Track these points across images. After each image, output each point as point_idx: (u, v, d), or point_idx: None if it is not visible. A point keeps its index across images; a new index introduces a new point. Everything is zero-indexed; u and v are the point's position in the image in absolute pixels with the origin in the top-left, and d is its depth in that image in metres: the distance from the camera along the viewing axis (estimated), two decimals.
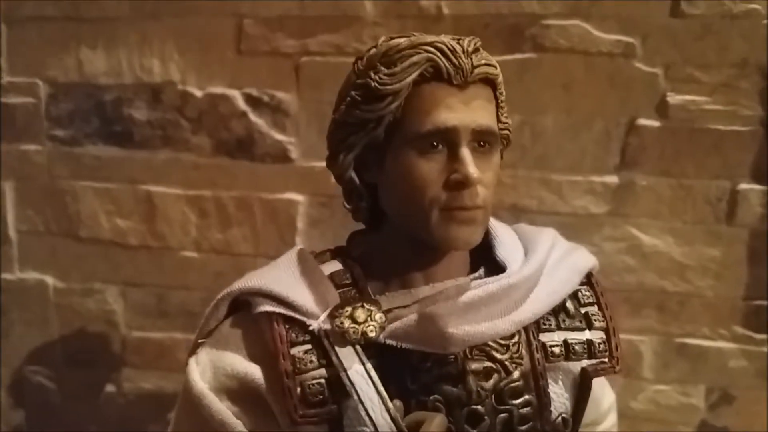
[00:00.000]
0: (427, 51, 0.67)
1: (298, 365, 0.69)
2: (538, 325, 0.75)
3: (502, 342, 0.72)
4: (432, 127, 0.67)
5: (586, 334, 0.77)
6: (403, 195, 0.70)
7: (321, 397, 0.69)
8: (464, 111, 0.68)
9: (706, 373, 1.40)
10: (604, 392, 0.89)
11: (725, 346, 1.38)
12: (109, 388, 1.63)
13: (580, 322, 0.77)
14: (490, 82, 0.71)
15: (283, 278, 0.73)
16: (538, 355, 0.74)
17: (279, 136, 1.45)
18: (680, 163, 1.34)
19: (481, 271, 0.76)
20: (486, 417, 0.71)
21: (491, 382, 0.71)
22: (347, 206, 0.77)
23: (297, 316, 0.71)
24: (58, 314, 1.62)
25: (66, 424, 1.65)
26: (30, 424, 1.69)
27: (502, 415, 0.71)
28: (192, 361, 0.76)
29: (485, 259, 0.77)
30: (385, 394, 0.68)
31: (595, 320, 0.78)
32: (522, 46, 1.34)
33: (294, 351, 0.70)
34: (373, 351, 0.70)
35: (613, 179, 1.36)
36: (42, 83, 1.53)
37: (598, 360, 0.77)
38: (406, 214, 0.71)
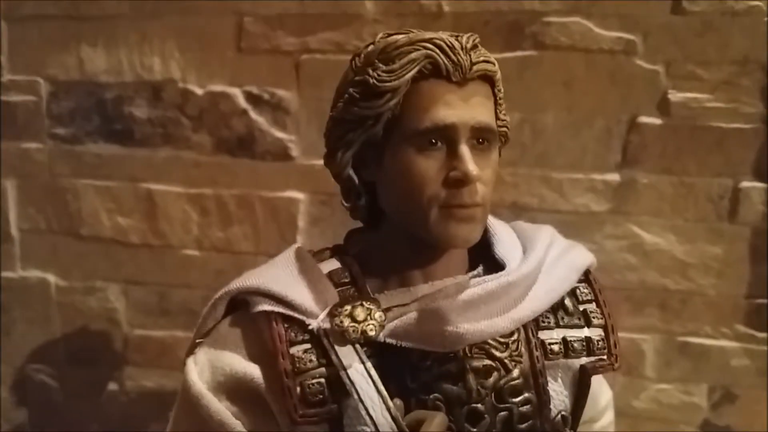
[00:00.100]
0: (425, 48, 0.67)
1: (297, 365, 0.69)
2: (537, 323, 0.75)
3: (502, 340, 0.72)
4: (431, 124, 0.67)
5: (585, 332, 0.77)
6: (401, 192, 0.70)
7: (321, 396, 0.69)
8: (463, 108, 0.67)
9: (708, 371, 1.39)
10: (601, 390, 0.89)
11: (727, 345, 1.38)
12: (111, 386, 1.63)
13: (579, 319, 0.77)
14: (488, 79, 0.71)
15: (281, 277, 0.73)
16: (537, 353, 0.73)
17: (279, 134, 1.45)
18: (682, 160, 1.33)
19: (480, 269, 0.76)
20: (486, 415, 0.71)
21: (491, 380, 0.71)
22: (345, 204, 0.77)
23: (296, 315, 0.70)
24: (60, 312, 1.62)
25: (68, 423, 1.65)
26: (32, 423, 1.69)
27: (502, 413, 0.71)
28: (190, 360, 0.75)
29: (484, 257, 0.77)
30: (385, 393, 0.68)
31: (593, 317, 0.78)
32: (522, 44, 1.33)
33: (293, 350, 0.69)
34: (373, 350, 0.70)
35: (614, 177, 1.36)
36: (43, 81, 1.53)
37: (596, 357, 0.76)
38: (404, 212, 0.71)
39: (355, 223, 0.81)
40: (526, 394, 0.72)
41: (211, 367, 0.73)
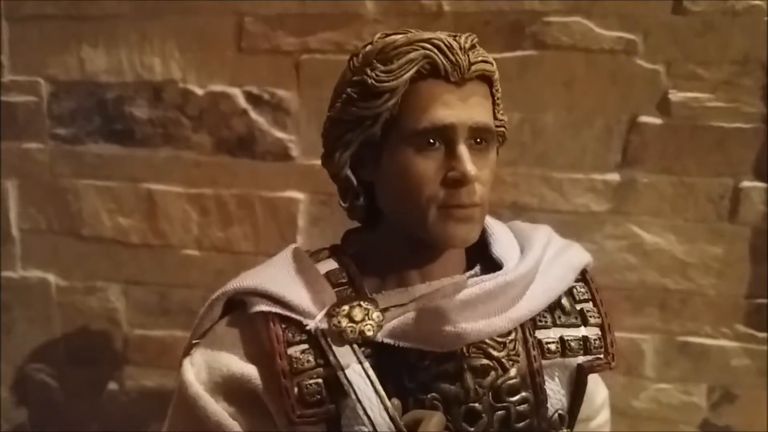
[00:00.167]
0: (424, 48, 0.67)
1: (295, 365, 0.69)
2: (534, 322, 0.75)
3: (499, 339, 0.72)
4: (429, 125, 0.67)
5: (582, 331, 0.77)
6: (400, 193, 0.70)
7: (318, 396, 0.69)
8: (461, 108, 0.67)
9: (708, 371, 1.39)
10: (597, 388, 0.89)
11: (727, 345, 1.38)
12: (112, 385, 1.63)
13: (576, 318, 0.77)
14: (486, 79, 0.71)
15: (278, 277, 0.73)
16: (534, 352, 0.73)
17: (279, 134, 1.45)
18: (682, 160, 1.33)
19: (477, 268, 0.76)
20: (483, 414, 0.71)
21: (488, 379, 0.71)
22: (343, 204, 0.77)
23: (293, 315, 0.70)
24: (60, 312, 1.63)
25: (68, 422, 1.65)
26: (33, 422, 1.69)
27: (500, 412, 0.71)
28: (186, 361, 0.75)
29: (481, 257, 0.77)
30: (383, 393, 0.68)
31: (590, 316, 0.78)
32: (523, 44, 1.33)
33: (291, 351, 0.69)
34: (371, 350, 0.70)
35: (614, 177, 1.36)
36: (43, 82, 1.53)
37: (593, 356, 0.77)
38: (403, 212, 0.71)
39: (354, 223, 0.81)
40: (524, 393, 0.72)
41: (208, 367, 0.73)
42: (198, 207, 1.51)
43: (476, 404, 0.71)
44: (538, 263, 0.75)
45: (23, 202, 1.60)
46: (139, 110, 1.50)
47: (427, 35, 0.68)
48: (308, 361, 0.69)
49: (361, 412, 0.67)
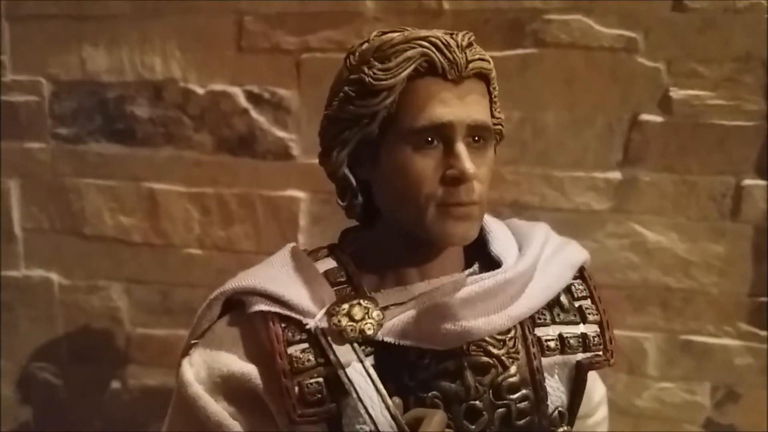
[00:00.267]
0: (421, 46, 0.67)
1: (295, 364, 0.68)
2: (533, 320, 0.75)
3: (499, 337, 0.72)
4: (427, 123, 0.67)
5: (581, 328, 0.77)
6: (398, 191, 0.69)
7: (319, 396, 0.68)
8: (459, 106, 0.67)
9: (711, 370, 1.39)
10: (595, 386, 0.89)
11: (730, 344, 1.37)
12: (114, 384, 1.64)
13: (575, 315, 0.77)
14: (483, 76, 0.70)
15: (277, 277, 0.73)
16: (534, 350, 0.73)
17: (280, 133, 1.45)
18: (684, 158, 1.33)
19: (476, 266, 0.76)
20: (484, 412, 0.71)
21: (489, 377, 0.71)
22: (340, 203, 0.77)
23: (293, 314, 0.70)
24: (63, 311, 1.63)
25: (71, 421, 1.66)
26: (36, 420, 1.70)
27: (500, 410, 0.71)
28: (185, 362, 0.75)
29: (479, 255, 0.77)
30: (384, 391, 0.67)
31: (589, 314, 0.78)
32: (523, 42, 1.33)
33: (291, 350, 0.69)
34: (371, 349, 0.70)
35: (615, 175, 1.35)
36: (45, 81, 1.54)
37: (593, 353, 0.77)
38: (401, 211, 0.71)
39: (354, 221, 0.81)
40: (524, 391, 0.72)
41: (208, 368, 0.73)
42: (199, 206, 1.51)
43: (477, 402, 0.71)
44: (536, 261, 0.75)
45: (25, 202, 1.60)
46: (140, 110, 1.50)
47: (424, 33, 0.68)
48: (308, 360, 0.69)
49: (362, 411, 0.67)
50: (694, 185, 1.33)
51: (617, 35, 1.30)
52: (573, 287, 0.79)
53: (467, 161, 0.66)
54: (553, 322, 0.76)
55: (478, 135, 0.69)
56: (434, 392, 0.70)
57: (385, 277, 0.74)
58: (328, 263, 0.77)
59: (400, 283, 0.74)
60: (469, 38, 0.69)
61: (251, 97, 1.45)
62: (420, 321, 0.69)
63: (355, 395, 0.67)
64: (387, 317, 0.69)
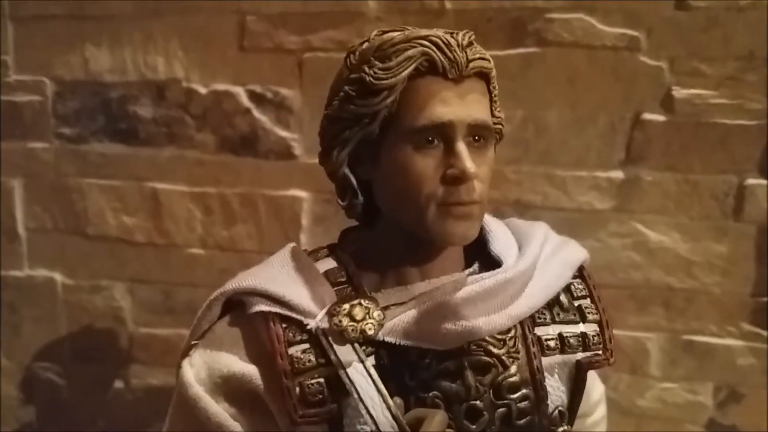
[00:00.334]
0: (422, 45, 0.67)
1: (296, 365, 0.68)
2: (533, 319, 0.75)
3: (499, 337, 0.72)
4: (428, 122, 0.67)
5: (581, 327, 0.77)
6: (398, 191, 0.69)
7: (320, 396, 0.68)
8: (459, 105, 0.67)
9: (713, 370, 1.38)
10: (594, 385, 0.89)
11: (733, 344, 1.37)
12: (117, 383, 1.64)
13: (574, 315, 0.77)
14: (484, 76, 0.70)
15: (277, 277, 0.73)
16: (534, 349, 0.73)
17: (283, 133, 1.45)
18: (686, 158, 1.32)
19: (476, 266, 0.76)
20: (485, 412, 0.71)
21: (489, 377, 0.71)
22: (341, 203, 0.77)
23: (294, 315, 0.70)
24: (66, 311, 1.64)
25: (75, 420, 1.66)
26: (39, 420, 1.70)
27: (501, 409, 0.71)
28: (185, 363, 0.74)
29: (479, 255, 0.77)
30: (385, 391, 0.67)
31: (588, 313, 0.78)
32: (525, 41, 1.33)
33: (292, 350, 0.69)
34: (371, 349, 0.70)
35: (618, 174, 1.35)
36: (48, 81, 1.54)
37: (592, 352, 0.77)
38: (401, 210, 0.70)
39: (354, 221, 0.81)
40: (524, 391, 0.72)
41: (208, 368, 0.72)
42: (202, 206, 1.52)
43: (477, 402, 0.71)
44: (536, 260, 0.75)
45: (29, 202, 1.61)
46: (143, 109, 1.51)
47: (424, 32, 0.68)
48: (309, 360, 0.69)
49: (363, 411, 0.67)
50: (696, 184, 1.33)
51: (620, 34, 1.30)
52: (572, 286, 0.79)
53: (468, 160, 0.66)
54: (553, 322, 0.76)
55: (478, 134, 0.69)
56: (435, 392, 0.70)
57: (386, 277, 0.74)
58: (329, 263, 0.76)
59: (401, 282, 0.74)
60: (470, 37, 0.69)
61: (254, 96, 1.45)
62: (421, 321, 0.69)
63: (356, 395, 0.67)
64: (388, 317, 0.69)
